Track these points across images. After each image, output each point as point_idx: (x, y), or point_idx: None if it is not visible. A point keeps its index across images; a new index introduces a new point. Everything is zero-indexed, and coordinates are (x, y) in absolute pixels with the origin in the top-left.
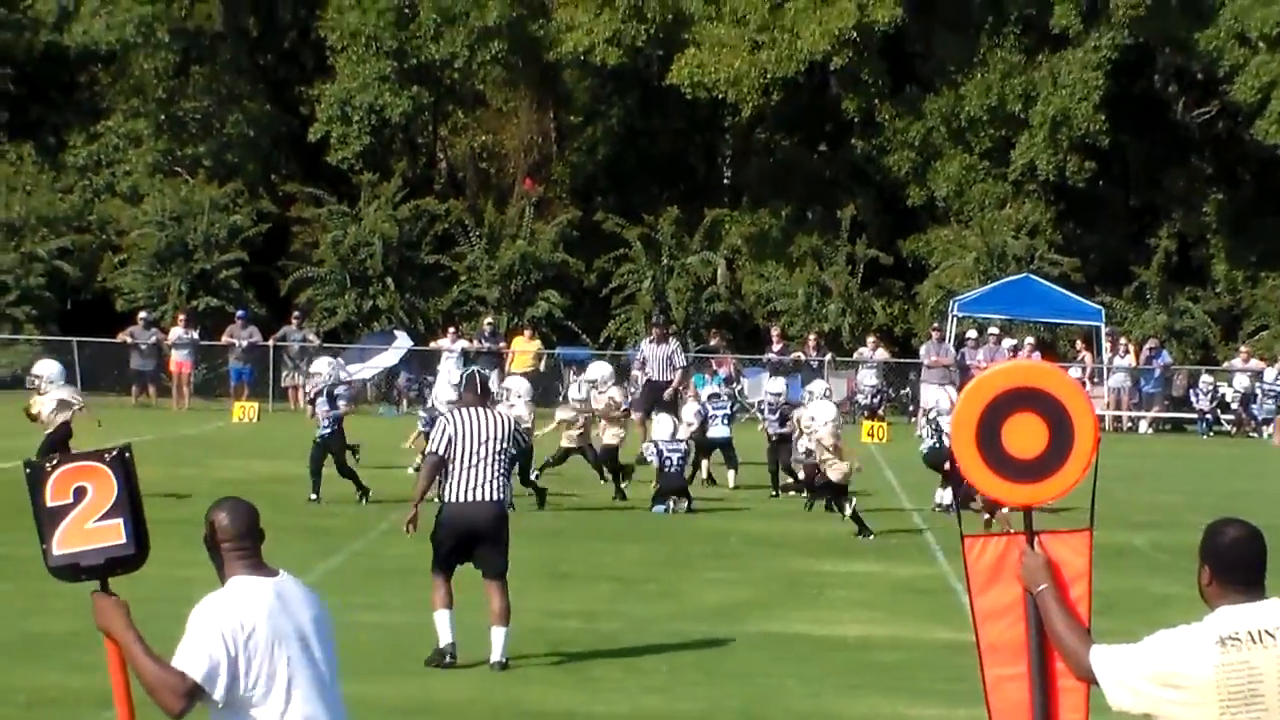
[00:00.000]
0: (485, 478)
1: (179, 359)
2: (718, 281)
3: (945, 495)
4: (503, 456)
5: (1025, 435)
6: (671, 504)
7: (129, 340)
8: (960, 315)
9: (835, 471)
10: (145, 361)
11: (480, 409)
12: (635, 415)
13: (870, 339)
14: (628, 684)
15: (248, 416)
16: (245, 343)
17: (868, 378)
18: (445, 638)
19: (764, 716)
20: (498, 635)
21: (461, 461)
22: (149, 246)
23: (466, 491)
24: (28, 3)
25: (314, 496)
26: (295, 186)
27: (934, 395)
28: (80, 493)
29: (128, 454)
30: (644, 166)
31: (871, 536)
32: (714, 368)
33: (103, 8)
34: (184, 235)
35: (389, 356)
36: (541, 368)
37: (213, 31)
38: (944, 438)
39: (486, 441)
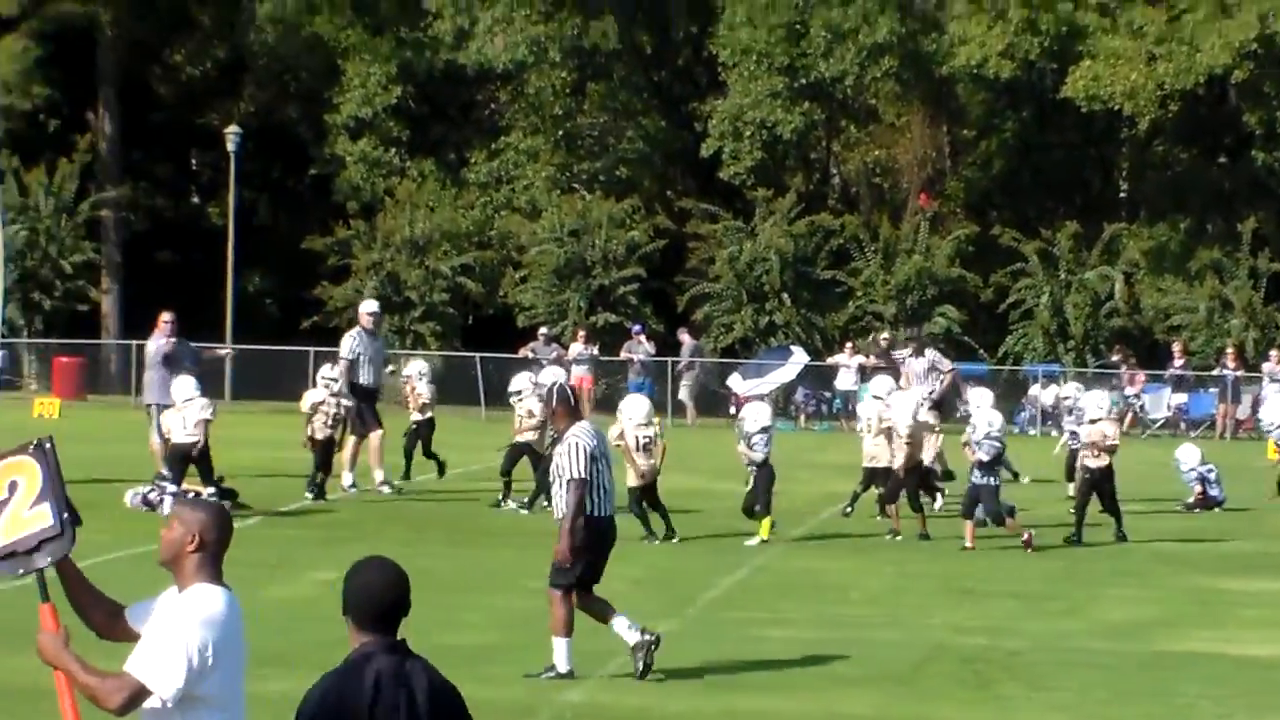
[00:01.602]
0: (610, 492)
1: (579, 374)
2: (1116, 296)
3: None
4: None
5: None
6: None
7: (530, 355)
8: None
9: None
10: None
11: (587, 422)
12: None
13: (1274, 353)
14: (1035, 702)
15: None
16: (640, 358)
17: (1274, 392)
18: (567, 665)
19: None
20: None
21: (597, 478)
22: (548, 263)
23: (605, 507)
24: (427, 23)
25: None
26: (690, 202)
27: None
28: (13, 486)
29: (49, 445)
30: (1039, 180)
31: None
32: (1118, 383)
33: (497, 27)
34: (582, 251)
35: (786, 372)
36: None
37: (608, 49)
38: None
39: (607, 455)
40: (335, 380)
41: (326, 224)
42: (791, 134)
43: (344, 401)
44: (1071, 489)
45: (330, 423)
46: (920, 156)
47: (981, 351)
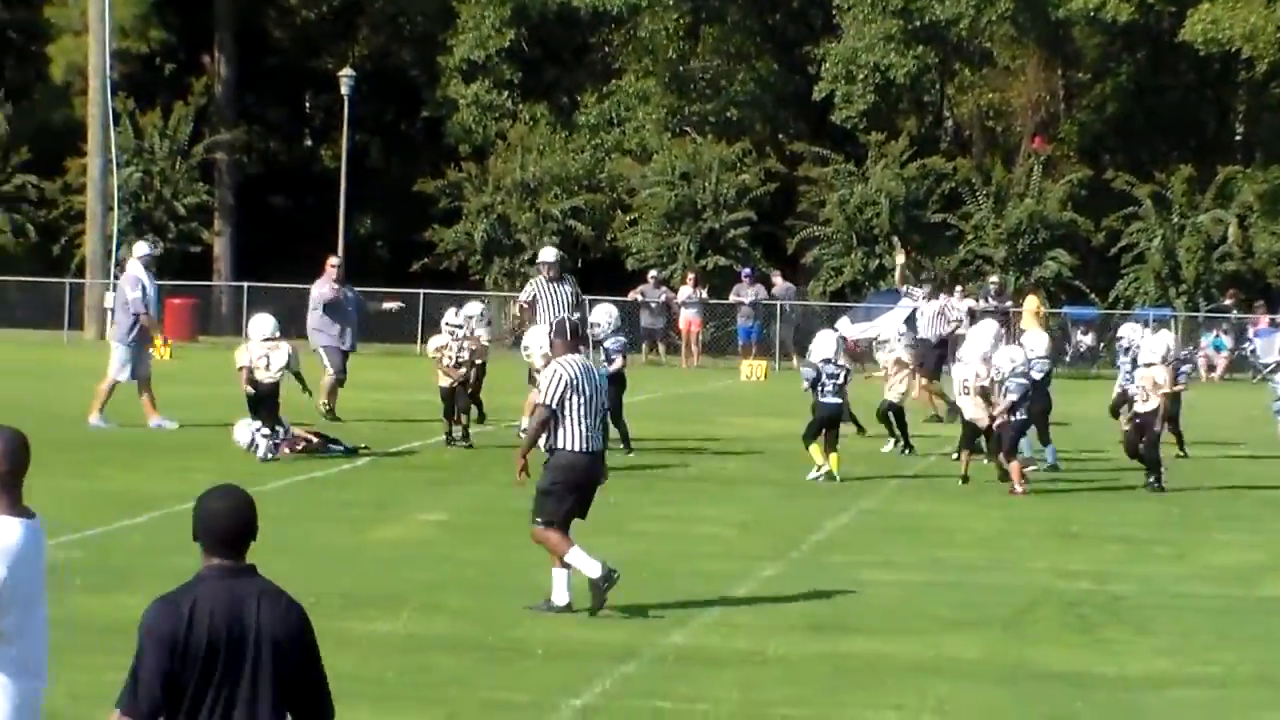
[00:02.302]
0: (596, 428)
1: (688, 317)
2: (1229, 240)
3: None
4: (604, 408)
5: None
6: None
7: (639, 299)
8: None
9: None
10: (655, 320)
11: (580, 357)
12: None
13: None
14: (1139, 646)
15: (755, 375)
16: (749, 301)
17: None
18: (565, 598)
19: None
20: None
21: (580, 412)
22: (659, 206)
23: (580, 442)
24: None
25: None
26: (802, 146)
27: None
28: None
29: None
30: (1153, 124)
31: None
32: (1229, 329)
33: None
34: (693, 195)
35: (895, 316)
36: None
37: None
38: None
39: (598, 394)
40: (459, 326)
41: (438, 167)
42: (905, 77)
43: (468, 346)
44: (1123, 422)
45: (454, 367)
46: (1034, 100)
47: (1092, 295)
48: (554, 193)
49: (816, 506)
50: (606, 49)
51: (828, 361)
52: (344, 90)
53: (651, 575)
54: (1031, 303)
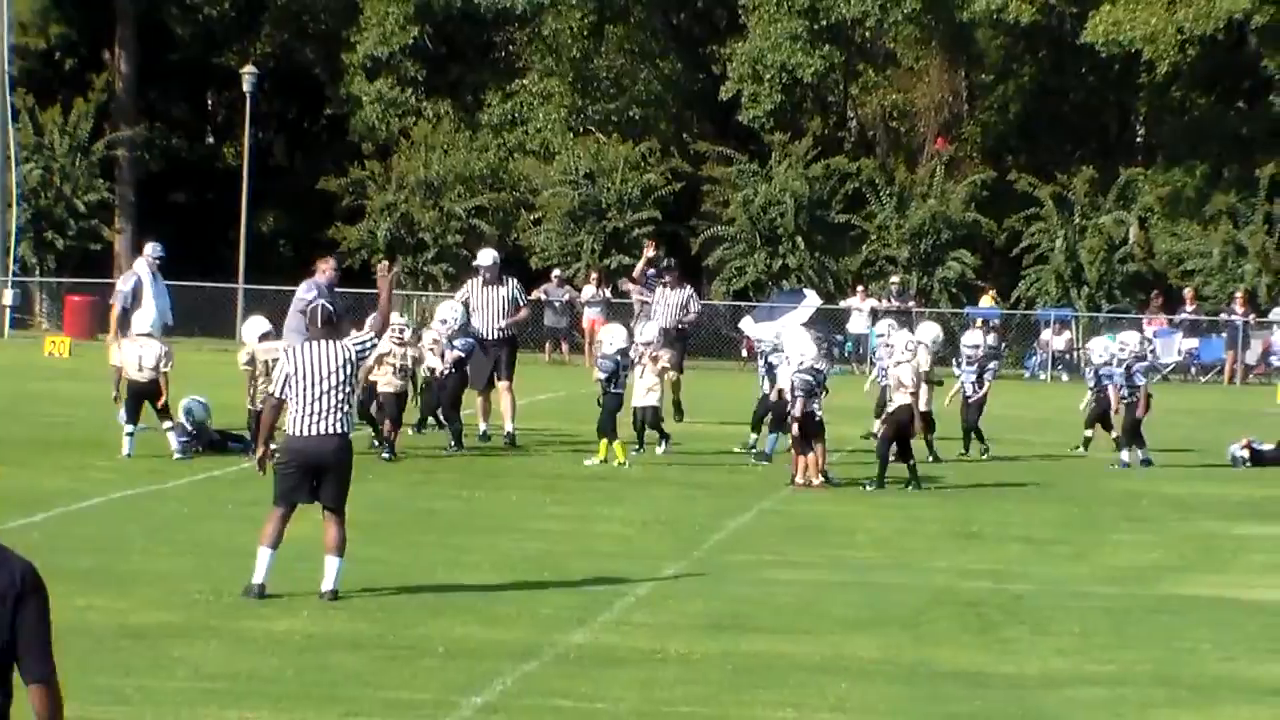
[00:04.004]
0: (326, 410)
1: (591, 316)
2: (1131, 241)
3: None
4: (344, 388)
5: None
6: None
7: (543, 298)
8: None
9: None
10: (559, 319)
11: (321, 342)
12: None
13: None
14: (1038, 645)
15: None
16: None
17: None
18: (260, 575)
19: (1176, 680)
20: (331, 565)
21: (303, 396)
22: (562, 205)
23: (309, 425)
24: None
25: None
26: (706, 145)
27: None
28: None
29: None
30: (1055, 125)
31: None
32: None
33: None
34: (597, 194)
35: (798, 315)
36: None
37: None
38: None
39: (328, 375)
40: (405, 329)
41: (341, 165)
42: (811, 77)
43: (410, 353)
44: (877, 425)
45: (399, 374)
46: (937, 100)
47: (995, 295)
48: (458, 191)
49: (717, 506)
50: (510, 47)
51: (623, 354)
52: (246, 87)
53: (553, 574)
54: None
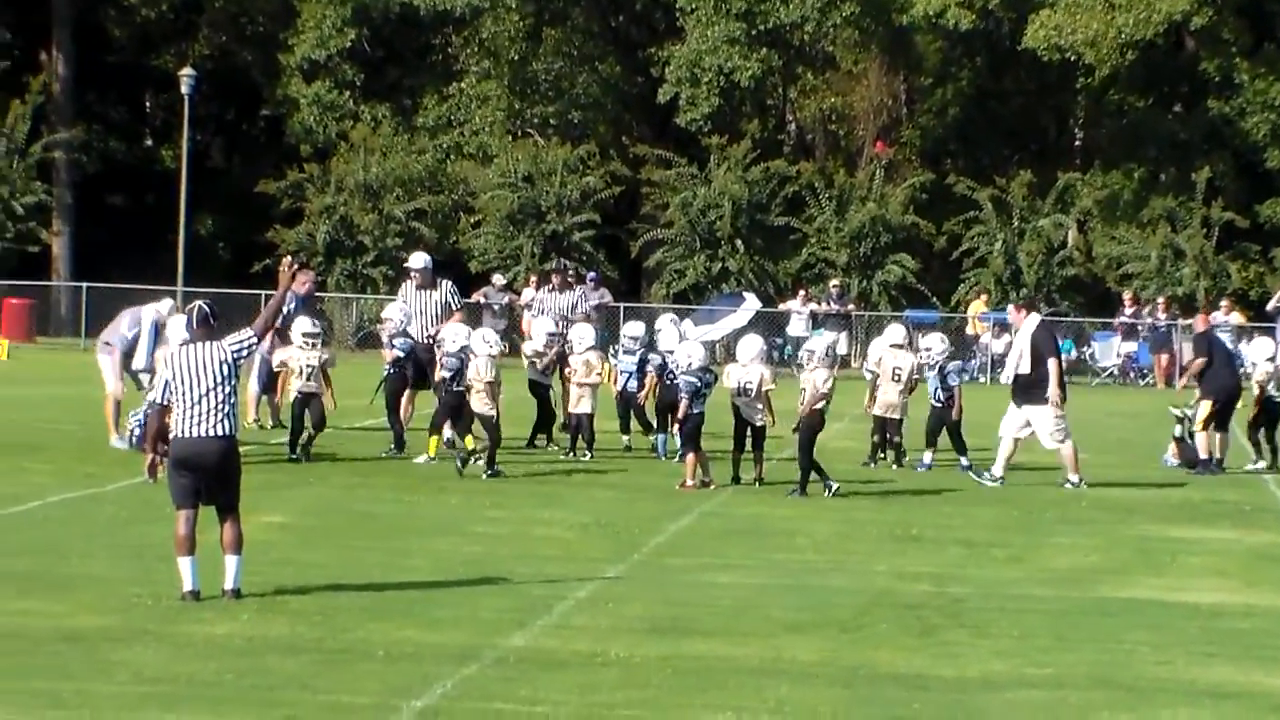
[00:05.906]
0: (206, 412)
1: (530, 319)
2: (1069, 244)
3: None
4: (224, 389)
5: None
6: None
7: (482, 301)
8: None
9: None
10: (498, 322)
11: (200, 344)
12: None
13: (1225, 303)
14: (978, 648)
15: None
16: (594, 304)
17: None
18: (188, 585)
19: (1115, 682)
20: (231, 563)
21: (184, 399)
22: (501, 208)
23: (191, 428)
24: None
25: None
26: (645, 148)
27: None
28: None
29: None
30: (993, 129)
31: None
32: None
33: None
34: (536, 197)
35: (738, 318)
36: None
37: None
38: None
39: (208, 377)
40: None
41: (279, 168)
42: (749, 80)
43: (324, 356)
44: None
45: (307, 379)
46: (876, 104)
47: (934, 299)
48: (396, 194)
49: (657, 509)
50: (448, 50)
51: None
52: (184, 89)
53: (492, 577)
54: None
